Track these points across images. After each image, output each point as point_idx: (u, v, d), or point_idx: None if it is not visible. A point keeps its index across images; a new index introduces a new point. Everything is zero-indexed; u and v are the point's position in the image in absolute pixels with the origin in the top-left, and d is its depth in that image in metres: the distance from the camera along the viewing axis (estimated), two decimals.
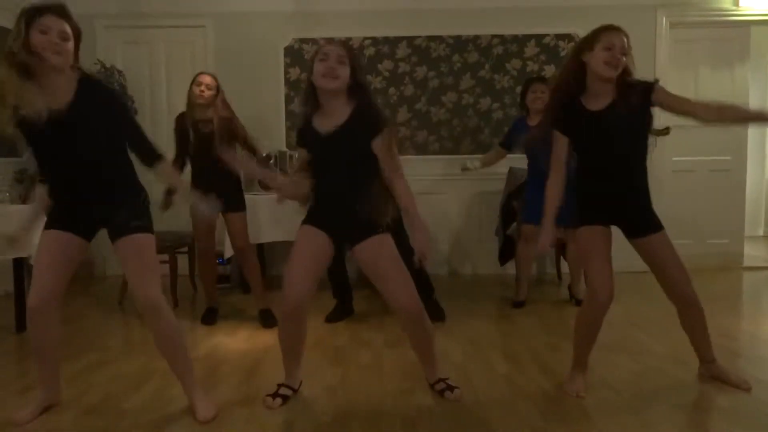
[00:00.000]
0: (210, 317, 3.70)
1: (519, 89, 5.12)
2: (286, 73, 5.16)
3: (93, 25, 5.02)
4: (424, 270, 3.98)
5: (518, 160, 4.39)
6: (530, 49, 5.18)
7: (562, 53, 5.16)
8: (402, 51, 5.14)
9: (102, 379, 2.62)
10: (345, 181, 2.29)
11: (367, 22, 5.15)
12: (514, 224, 4.39)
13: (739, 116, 2.51)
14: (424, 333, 2.43)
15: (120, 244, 2.21)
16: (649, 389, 2.54)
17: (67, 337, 3.37)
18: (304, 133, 2.37)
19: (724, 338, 3.24)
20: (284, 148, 4.99)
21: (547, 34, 5.17)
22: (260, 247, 4.99)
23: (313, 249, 2.33)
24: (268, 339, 3.33)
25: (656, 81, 2.40)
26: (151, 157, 2.26)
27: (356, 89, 2.27)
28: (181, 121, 3.61)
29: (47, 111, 2.06)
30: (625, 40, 2.36)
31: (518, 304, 4.01)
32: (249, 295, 4.41)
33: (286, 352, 2.46)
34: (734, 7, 5.10)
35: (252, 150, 3.68)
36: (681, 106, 2.39)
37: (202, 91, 3.51)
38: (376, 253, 2.30)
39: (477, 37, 5.18)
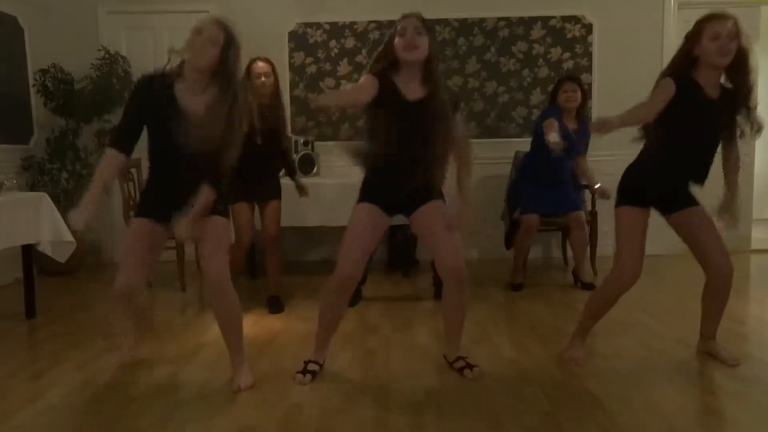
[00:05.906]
0: None
1: (525, 72, 5.16)
2: (291, 58, 5.14)
3: (96, 11, 5.01)
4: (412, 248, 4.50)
5: (526, 144, 4.37)
6: (536, 32, 5.13)
7: (569, 35, 5.11)
8: None
9: (112, 365, 2.65)
10: (420, 149, 2.35)
11: (371, 5, 5.11)
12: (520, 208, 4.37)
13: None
14: (462, 304, 2.52)
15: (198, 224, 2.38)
16: (657, 373, 2.54)
17: (77, 323, 3.41)
18: (386, 92, 2.33)
19: (732, 322, 3.24)
20: (289, 134, 4.98)
21: (554, 17, 5.11)
22: None
23: (369, 227, 2.42)
24: (276, 324, 3.35)
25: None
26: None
27: (431, 60, 2.36)
28: None
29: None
30: (730, 24, 2.40)
31: (517, 287, 4.11)
32: (256, 280, 4.44)
33: (323, 327, 2.55)
34: None
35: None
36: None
37: (263, 82, 3.53)
38: (435, 216, 2.44)
39: (482, 20, 5.14)
